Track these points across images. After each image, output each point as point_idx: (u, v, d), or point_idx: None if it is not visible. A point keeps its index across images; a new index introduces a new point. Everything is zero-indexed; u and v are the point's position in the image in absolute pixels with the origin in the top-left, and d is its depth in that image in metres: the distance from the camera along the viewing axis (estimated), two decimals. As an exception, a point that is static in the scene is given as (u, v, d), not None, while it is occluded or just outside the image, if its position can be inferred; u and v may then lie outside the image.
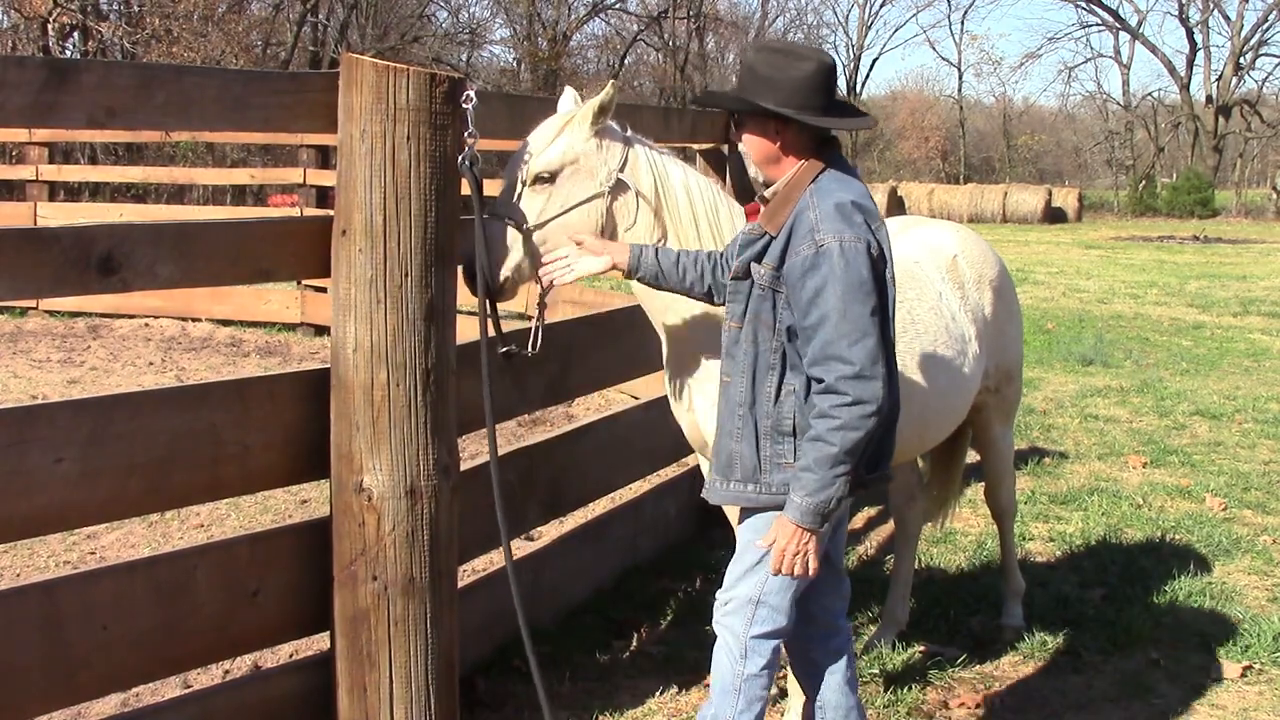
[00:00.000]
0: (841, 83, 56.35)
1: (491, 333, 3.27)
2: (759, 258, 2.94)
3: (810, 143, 2.97)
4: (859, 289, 2.77)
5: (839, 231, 2.80)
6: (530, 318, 3.47)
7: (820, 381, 2.79)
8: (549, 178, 3.29)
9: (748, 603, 3.02)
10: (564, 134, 3.32)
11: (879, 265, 2.86)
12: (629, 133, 3.46)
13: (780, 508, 2.89)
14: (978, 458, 4.79)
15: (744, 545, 3.06)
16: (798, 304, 2.83)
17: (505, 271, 3.28)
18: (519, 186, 3.31)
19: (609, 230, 3.39)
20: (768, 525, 2.95)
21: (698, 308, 3.51)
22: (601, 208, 3.35)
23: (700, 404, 3.62)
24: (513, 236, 3.27)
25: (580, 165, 3.33)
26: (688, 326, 3.53)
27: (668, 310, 3.53)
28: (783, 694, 4.05)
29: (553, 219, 3.29)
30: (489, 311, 3.26)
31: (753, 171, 2.98)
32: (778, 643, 3.08)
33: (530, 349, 3.41)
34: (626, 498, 5.43)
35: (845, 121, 3.09)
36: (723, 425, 3.02)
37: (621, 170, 3.37)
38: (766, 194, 2.99)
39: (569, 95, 3.52)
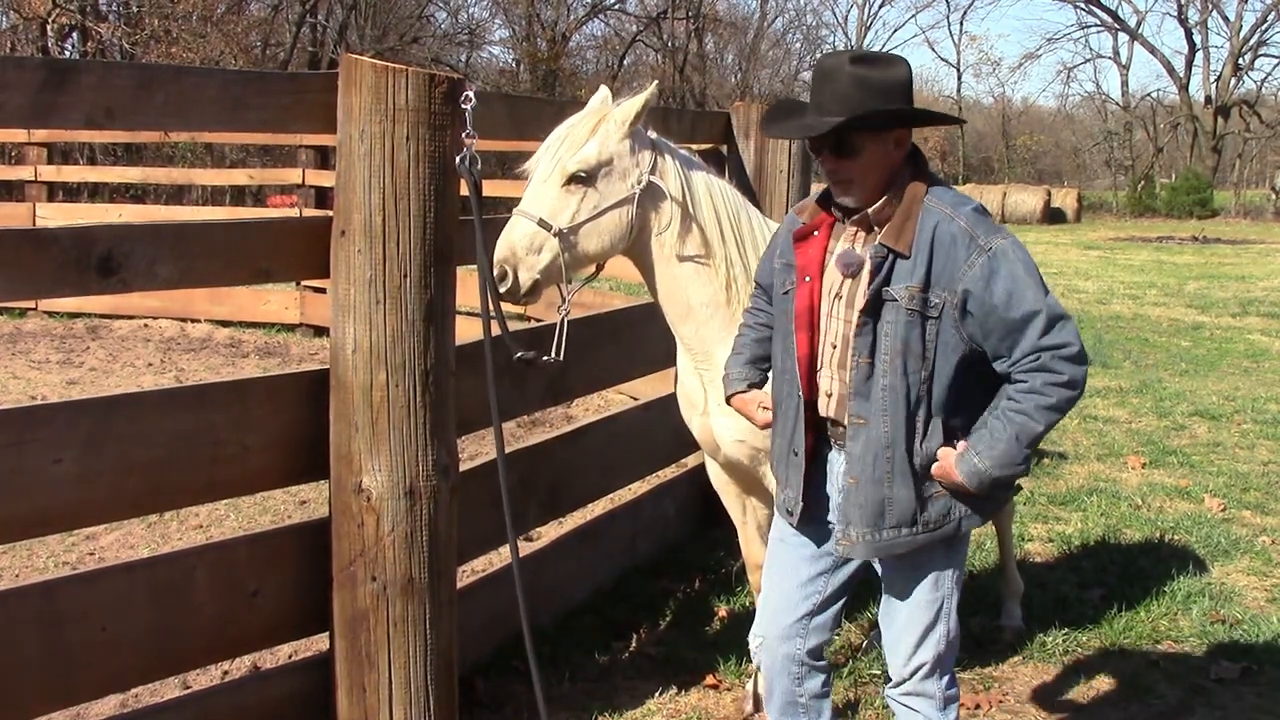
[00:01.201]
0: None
1: (498, 332, 3.22)
2: (887, 281, 2.67)
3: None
4: (1039, 279, 2.66)
5: (998, 232, 2.67)
6: (530, 319, 3.46)
7: (1034, 363, 2.61)
8: (585, 178, 3.24)
9: (936, 664, 2.88)
10: (598, 134, 3.27)
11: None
12: (656, 137, 3.45)
13: (940, 541, 2.79)
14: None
15: (916, 605, 2.86)
16: (994, 313, 2.61)
17: (534, 274, 3.23)
18: (546, 184, 3.27)
19: (638, 233, 3.37)
20: (934, 569, 2.83)
21: (716, 316, 3.51)
22: (632, 211, 3.32)
23: (714, 409, 3.62)
24: (544, 238, 3.22)
25: (614, 167, 3.29)
26: (705, 333, 3.53)
27: (688, 315, 3.52)
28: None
29: (586, 221, 3.26)
30: (493, 312, 3.19)
31: (852, 199, 2.73)
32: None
33: (556, 356, 3.36)
34: (626, 499, 5.42)
35: (952, 118, 3.14)
36: (864, 472, 2.75)
37: (652, 173, 3.34)
38: (872, 212, 2.73)
39: (604, 93, 3.44)
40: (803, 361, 2.81)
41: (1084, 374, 2.64)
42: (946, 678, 2.91)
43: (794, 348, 2.82)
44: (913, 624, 2.87)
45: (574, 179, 3.24)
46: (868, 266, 2.69)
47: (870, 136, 2.69)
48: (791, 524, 2.93)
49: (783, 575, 3.01)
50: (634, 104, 3.29)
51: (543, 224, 3.22)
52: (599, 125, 3.29)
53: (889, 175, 2.73)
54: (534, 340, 3.50)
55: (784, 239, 2.91)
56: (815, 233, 2.82)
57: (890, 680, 2.97)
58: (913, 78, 2.76)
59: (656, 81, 3.40)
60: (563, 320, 3.38)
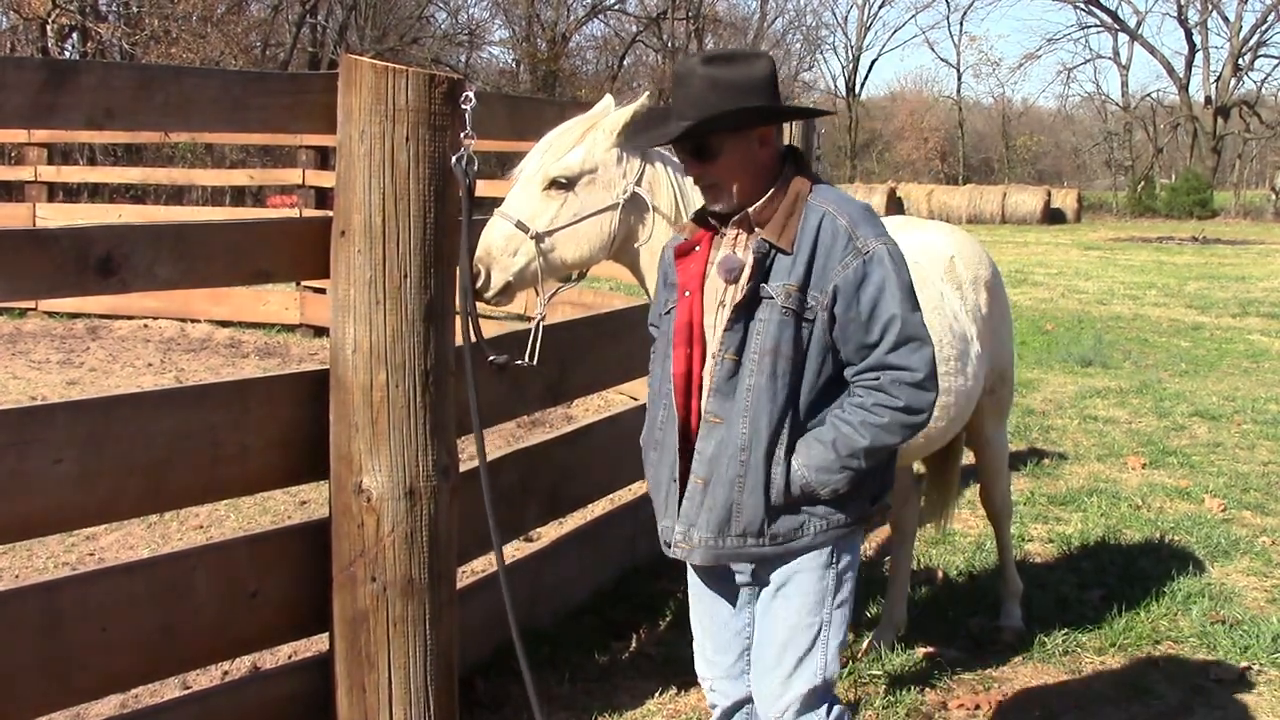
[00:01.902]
0: (841, 84, 56.46)
1: (476, 339, 3.20)
2: (766, 278, 2.59)
3: (781, 149, 2.72)
4: (910, 295, 2.59)
5: (879, 235, 2.59)
6: (530, 318, 3.44)
7: (873, 381, 2.56)
8: (566, 184, 3.23)
9: (811, 700, 2.70)
10: (585, 141, 3.26)
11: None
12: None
13: (793, 555, 2.66)
14: (974, 459, 4.79)
15: (793, 630, 2.70)
16: (855, 321, 2.54)
17: (507, 276, 3.22)
18: (528, 187, 3.27)
19: (623, 242, 3.37)
20: (809, 593, 2.68)
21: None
22: (614, 219, 3.31)
23: None
24: (520, 240, 3.21)
25: (598, 175, 3.28)
26: None
27: None
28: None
29: (564, 227, 3.24)
30: (473, 314, 3.15)
31: (722, 204, 2.65)
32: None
33: (528, 360, 3.35)
34: (626, 499, 5.42)
35: (816, 110, 3.07)
36: (714, 473, 2.63)
37: (638, 184, 3.33)
38: (753, 211, 2.64)
39: (607, 101, 3.42)
40: (679, 380, 2.68)
41: (927, 402, 2.57)
42: (833, 714, 2.74)
43: (670, 366, 2.69)
44: (787, 652, 2.69)
45: (554, 184, 3.23)
46: (749, 263, 2.60)
47: (729, 137, 2.60)
48: (670, 555, 2.76)
49: (708, 617, 2.88)
50: (622, 115, 3.28)
51: (520, 226, 3.21)
52: (588, 133, 3.28)
53: (760, 175, 2.64)
54: (519, 348, 3.46)
55: (668, 259, 2.80)
56: (697, 248, 2.72)
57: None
58: (775, 74, 2.68)
59: (648, 93, 3.38)
60: (537, 324, 3.36)
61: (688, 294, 2.69)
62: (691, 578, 2.90)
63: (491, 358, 3.25)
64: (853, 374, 2.60)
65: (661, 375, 2.75)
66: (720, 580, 2.83)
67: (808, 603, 2.68)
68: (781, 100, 2.71)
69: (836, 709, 2.77)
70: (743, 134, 2.61)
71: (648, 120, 2.97)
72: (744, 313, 2.59)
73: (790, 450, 2.59)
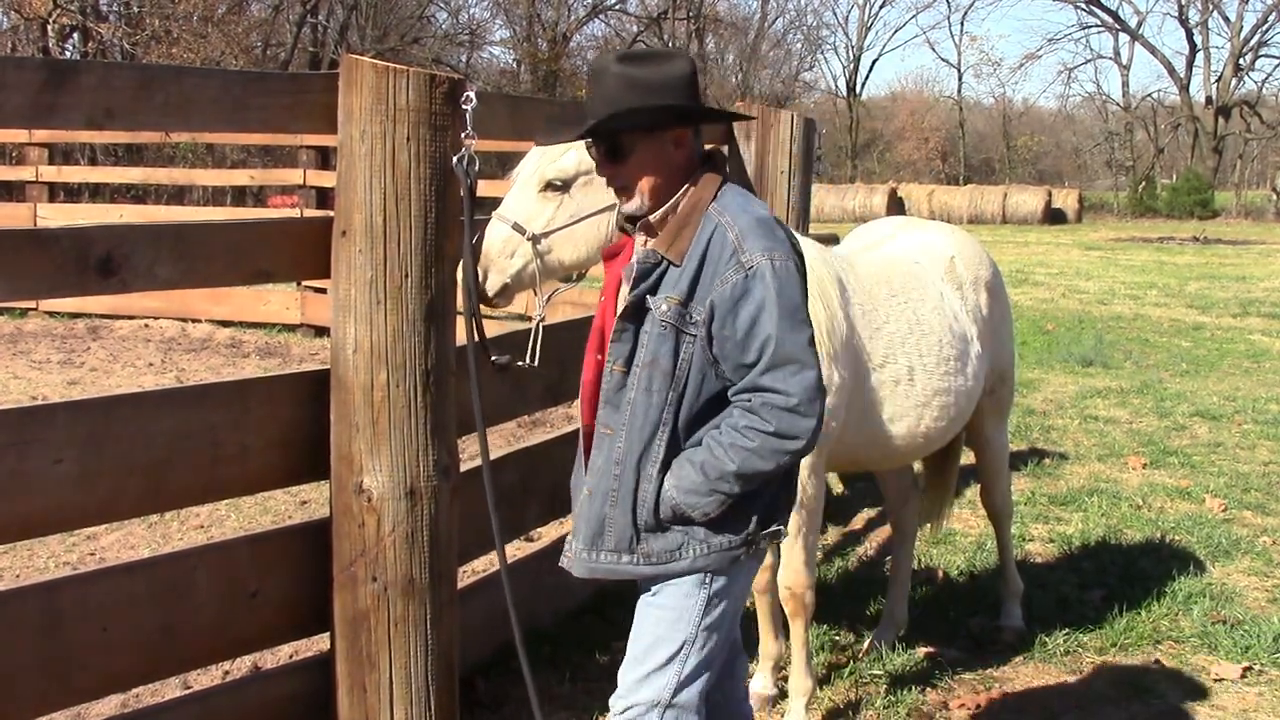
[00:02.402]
0: (841, 84, 56.45)
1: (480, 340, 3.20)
2: (654, 289, 2.52)
3: (698, 154, 2.64)
4: (796, 314, 2.47)
5: (768, 249, 2.47)
6: (530, 318, 3.44)
7: (746, 403, 2.47)
8: (561, 186, 3.23)
9: (651, 709, 2.62)
10: (579, 143, 3.28)
11: (806, 288, 2.58)
12: None
13: (666, 577, 2.59)
14: (974, 459, 4.79)
15: (650, 641, 2.63)
16: (731, 339, 2.46)
17: (505, 278, 3.22)
18: (525, 189, 3.28)
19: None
20: (676, 608, 2.60)
21: None
22: (610, 220, 3.30)
23: None
24: (517, 242, 3.21)
25: (594, 177, 3.28)
26: None
27: None
28: (782, 694, 4.06)
29: (561, 228, 3.24)
30: (477, 315, 3.14)
31: (634, 206, 2.59)
32: None
33: (530, 362, 3.36)
34: (626, 499, 5.41)
35: (734, 114, 2.99)
36: (597, 485, 2.59)
37: None
38: (654, 218, 2.58)
39: None
40: (588, 385, 2.66)
41: (803, 429, 2.45)
42: None
43: (583, 372, 2.66)
44: (645, 660, 2.64)
45: (550, 186, 3.23)
46: (634, 272, 2.55)
47: (641, 137, 2.53)
48: (564, 560, 2.71)
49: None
50: None
51: (517, 228, 3.21)
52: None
53: (673, 178, 2.56)
54: (519, 348, 3.46)
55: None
56: (622, 253, 2.68)
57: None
58: (695, 74, 2.61)
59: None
60: (537, 326, 3.36)
61: (602, 298, 2.68)
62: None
63: (494, 358, 3.25)
64: (732, 393, 2.51)
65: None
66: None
67: (668, 617, 2.61)
68: (702, 101, 2.65)
69: None
70: (656, 135, 2.54)
71: (564, 119, 2.91)
72: (631, 323, 2.54)
73: (665, 468, 2.52)
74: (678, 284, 2.50)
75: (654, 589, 2.64)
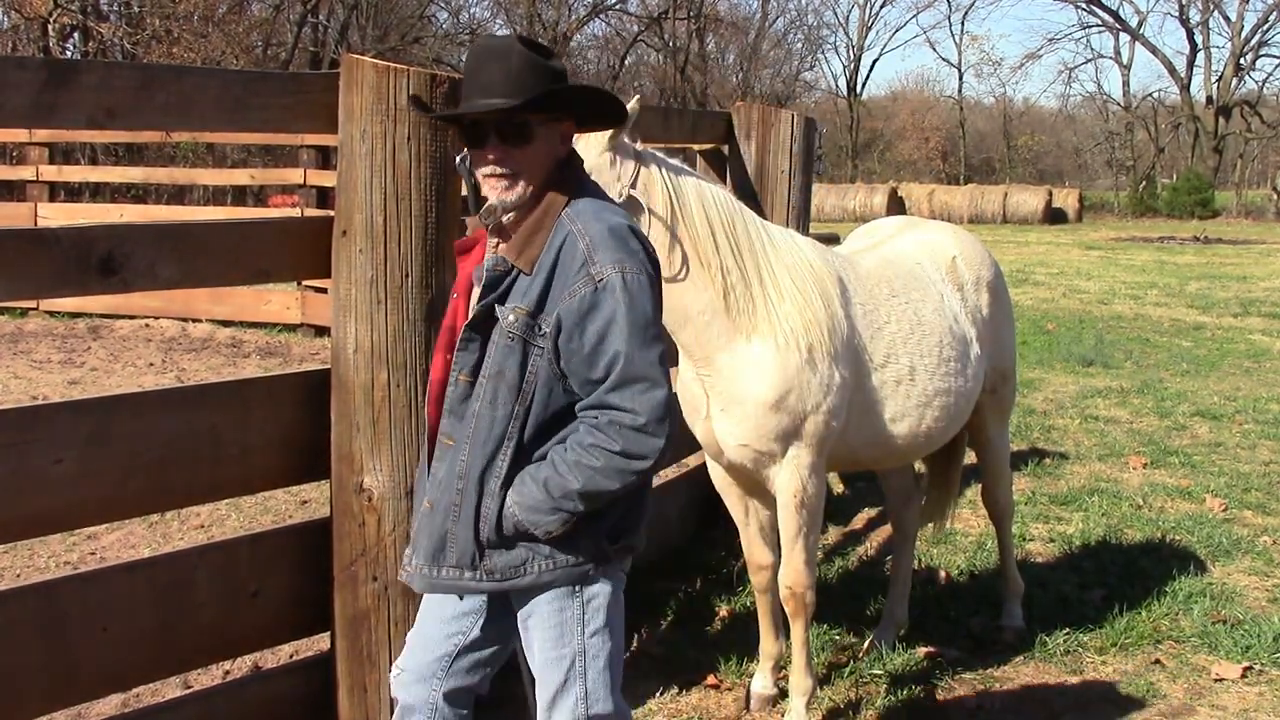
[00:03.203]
0: (842, 83, 56.46)
1: None
2: (504, 299, 2.44)
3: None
4: (647, 330, 2.38)
5: (618, 262, 2.38)
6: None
7: (593, 420, 2.39)
8: None
9: None
10: (577, 148, 3.27)
11: (660, 302, 2.49)
12: (641, 148, 3.44)
13: (521, 592, 2.52)
14: (975, 459, 4.79)
15: (544, 663, 2.57)
16: (579, 354, 2.38)
17: None
18: None
19: None
20: (555, 625, 2.54)
21: (715, 322, 3.51)
22: None
23: (716, 413, 3.64)
24: None
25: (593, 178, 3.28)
26: (705, 339, 3.54)
27: (686, 323, 3.53)
28: (783, 694, 4.06)
29: None
30: None
31: (516, 195, 2.47)
32: None
33: None
34: (627, 498, 5.42)
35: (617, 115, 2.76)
36: (439, 498, 2.50)
37: (633, 187, 3.33)
38: (507, 220, 2.48)
39: None
40: (435, 386, 2.55)
41: (649, 449, 2.37)
42: None
43: (430, 371, 2.57)
44: (544, 685, 2.59)
45: None
46: (483, 278, 2.47)
47: (544, 123, 2.46)
48: (404, 574, 2.63)
49: (427, 610, 2.71)
50: None
51: None
52: (580, 139, 3.27)
53: (548, 175, 2.48)
54: None
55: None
56: (477, 246, 2.59)
57: None
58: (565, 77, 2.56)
59: (639, 97, 3.37)
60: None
61: (454, 296, 2.59)
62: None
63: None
64: (579, 409, 2.43)
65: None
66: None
67: (552, 636, 2.54)
68: None
69: None
70: (553, 125, 2.48)
71: (453, 98, 2.75)
72: (478, 333, 2.45)
73: (509, 483, 2.44)
74: (527, 294, 2.42)
75: (526, 614, 2.56)
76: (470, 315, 2.46)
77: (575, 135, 2.63)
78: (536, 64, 2.44)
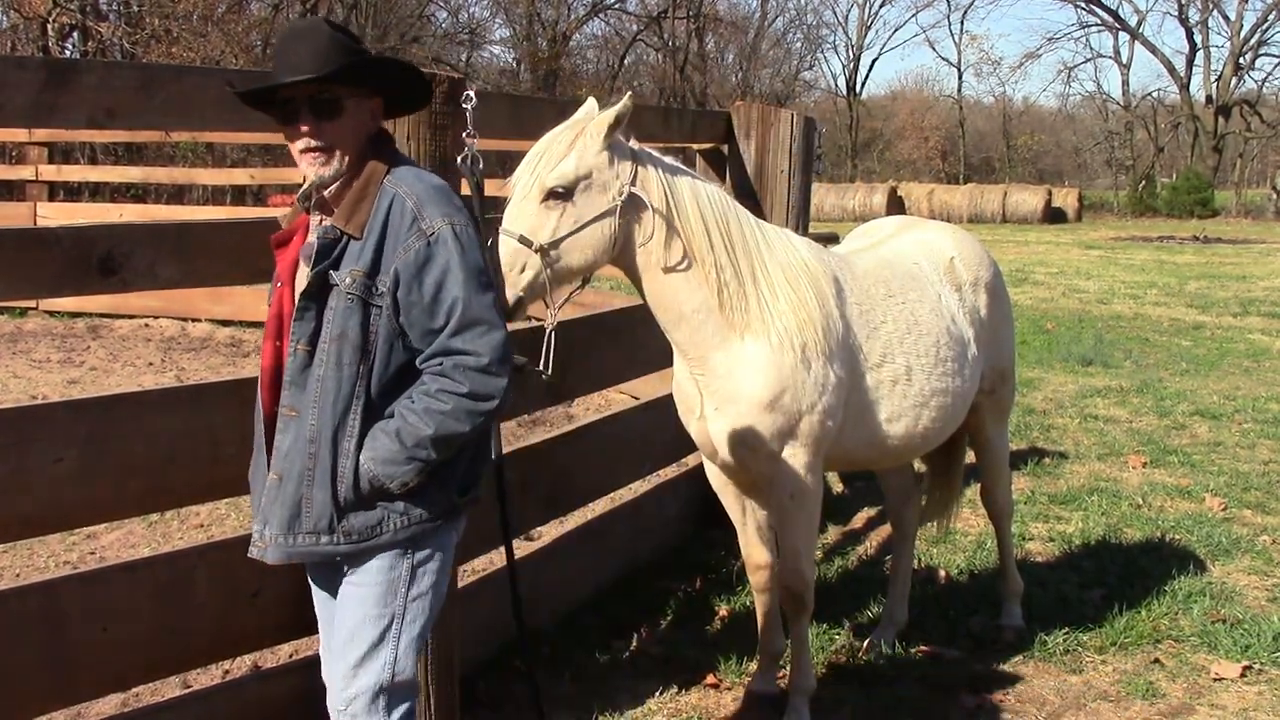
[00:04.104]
0: (841, 83, 56.45)
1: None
2: (336, 265, 2.51)
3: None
4: (480, 276, 2.50)
5: (447, 215, 2.51)
6: (539, 320, 3.45)
7: (438, 367, 2.48)
8: (564, 193, 3.23)
9: (379, 694, 2.57)
10: (576, 147, 3.26)
11: (484, 253, 2.60)
12: (637, 147, 3.44)
13: (366, 554, 2.55)
14: (975, 459, 4.79)
15: (361, 621, 2.58)
16: (419, 305, 2.47)
17: (518, 292, 3.22)
18: (526, 200, 3.27)
19: (621, 245, 3.37)
20: (380, 583, 2.57)
21: (709, 320, 3.51)
22: (614, 224, 3.32)
23: (710, 412, 3.63)
24: (525, 255, 3.21)
25: (593, 180, 3.28)
26: (699, 338, 3.54)
27: (680, 321, 3.53)
28: (783, 694, 4.05)
29: (567, 236, 3.25)
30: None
31: (332, 169, 2.54)
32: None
33: (544, 372, 3.35)
34: (626, 498, 5.43)
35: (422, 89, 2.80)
36: (288, 468, 2.53)
37: (633, 184, 3.34)
38: (329, 193, 2.55)
39: (590, 106, 3.44)
40: (266, 373, 2.59)
41: (495, 388, 2.48)
42: (397, 714, 2.61)
43: (260, 360, 2.59)
44: (355, 642, 2.58)
45: (552, 194, 3.23)
46: (313, 249, 2.52)
47: (355, 98, 2.53)
48: (250, 555, 2.63)
49: (324, 613, 2.74)
50: (607, 116, 3.27)
51: (524, 241, 3.20)
52: (577, 139, 3.28)
53: (361, 149, 2.55)
54: (533, 340, 3.49)
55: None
56: (296, 235, 2.64)
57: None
58: None
59: (630, 94, 3.37)
60: (549, 335, 3.36)
61: (279, 284, 2.62)
62: (310, 575, 2.77)
63: (513, 356, 3.26)
64: (421, 361, 2.51)
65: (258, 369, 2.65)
66: (330, 575, 2.69)
67: (375, 593, 2.58)
68: None
69: (402, 709, 2.62)
70: (364, 101, 2.56)
71: (254, 78, 2.77)
72: (314, 301, 2.51)
73: (361, 443, 2.50)
74: (360, 257, 2.49)
75: (353, 571, 2.59)
76: (304, 284, 2.51)
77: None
78: (341, 42, 2.52)
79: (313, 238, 2.56)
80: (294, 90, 2.48)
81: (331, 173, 2.53)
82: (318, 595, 2.76)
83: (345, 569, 2.61)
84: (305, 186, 2.60)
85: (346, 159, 2.53)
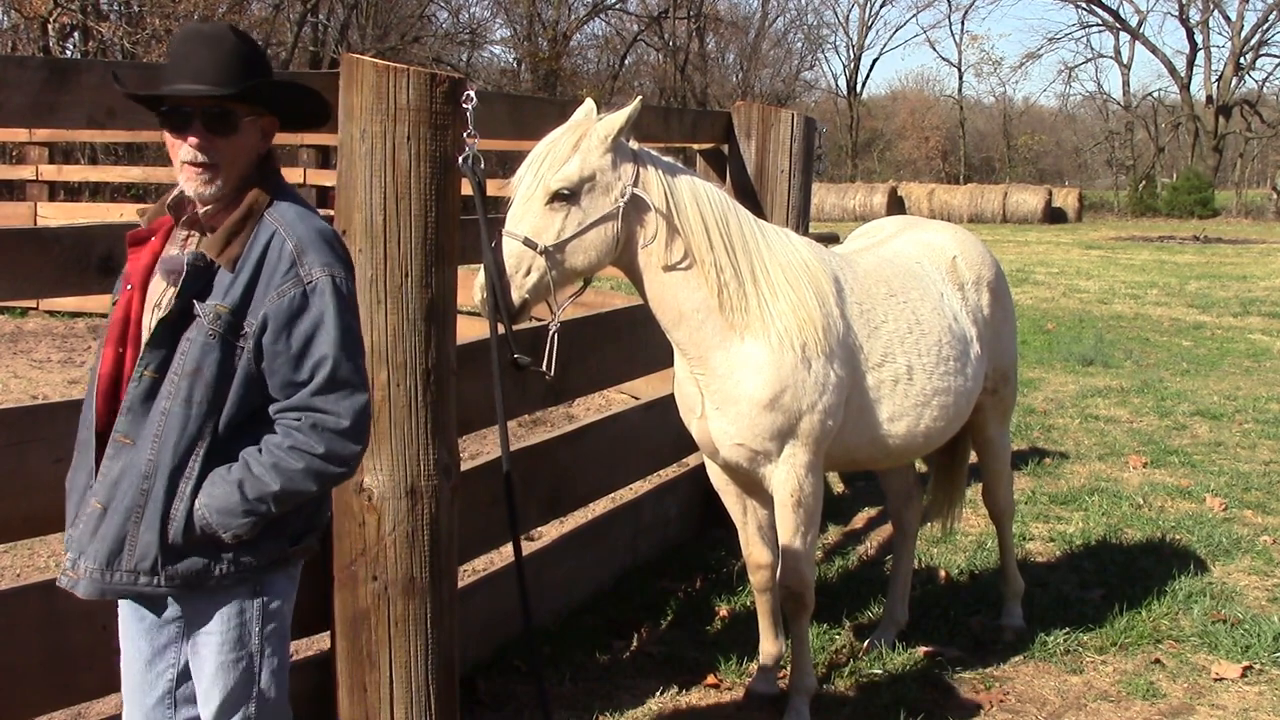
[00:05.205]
0: (842, 83, 56.46)
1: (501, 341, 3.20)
2: (202, 296, 2.33)
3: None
4: (350, 334, 2.37)
5: (328, 265, 2.36)
6: (541, 320, 3.46)
7: (295, 422, 2.34)
8: (568, 195, 3.25)
9: None
10: (580, 150, 3.28)
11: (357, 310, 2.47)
12: (638, 148, 3.46)
13: (205, 598, 2.40)
14: (976, 459, 4.79)
15: (218, 668, 2.43)
16: (284, 354, 2.32)
17: (523, 294, 3.24)
18: (530, 202, 3.27)
19: (625, 245, 3.38)
20: (235, 627, 2.43)
21: (709, 320, 3.51)
22: (617, 225, 3.33)
23: (711, 412, 3.64)
24: (530, 258, 3.23)
25: (597, 182, 3.30)
26: (699, 338, 3.54)
27: (680, 321, 3.54)
28: (783, 694, 4.05)
29: (571, 238, 3.26)
30: (500, 315, 3.18)
31: (215, 189, 2.38)
32: None
33: (547, 372, 3.35)
34: (627, 498, 5.43)
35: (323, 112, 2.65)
36: (115, 501, 2.33)
37: (635, 185, 3.35)
38: (204, 213, 2.39)
39: (588, 107, 3.46)
40: (104, 380, 2.39)
41: (352, 454, 2.36)
42: None
43: (98, 364, 2.41)
44: (214, 691, 2.44)
45: (557, 196, 3.24)
46: (182, 273, 2.34)
47: (250, 116, 2.39)
48: (58, 584, 2.43)
49: (128, 656, 2.54)
50: (616, 119, 3.29)
51: (528, 243, 3.22)
52: (580, 141, 3.29)
53: (248, 169, 2.41)
54: (535, 340, 3.50)
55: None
56: (154, 238, 2.46)
57: None
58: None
59: (640, 97, 3.39)
60: (552, 336, 3.37)
61: (129, 287, 2.43)
62: (120, 607, 2.55)
63: (515, 356, 3.26)
64: (275, 410, 2.36)
65: (92, 372, 2.46)
66: (141, 614, 2.50)
67: (230, 639, 2.44)
68: None
69: None
70: (257, 119, 2.42)
71: (143, 76, 2.64)
72: (171, 329, 2.34)
73: (199, 486, 2.33)
74: (229, 292, 2.33)
75: (202, 612, 2.44)
76: (165, 310, 2.35)
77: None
78: (248, 55, 2.39)
79: (181, 255, 2.38)
80: (191, 99, 2.34)
81: (214, 192, 2.37)
82: (126, 628, 2.53)
83: (180, 612, 2.46)
84: (177, 194, 2.43)
85: (231, 180, 2.38)
